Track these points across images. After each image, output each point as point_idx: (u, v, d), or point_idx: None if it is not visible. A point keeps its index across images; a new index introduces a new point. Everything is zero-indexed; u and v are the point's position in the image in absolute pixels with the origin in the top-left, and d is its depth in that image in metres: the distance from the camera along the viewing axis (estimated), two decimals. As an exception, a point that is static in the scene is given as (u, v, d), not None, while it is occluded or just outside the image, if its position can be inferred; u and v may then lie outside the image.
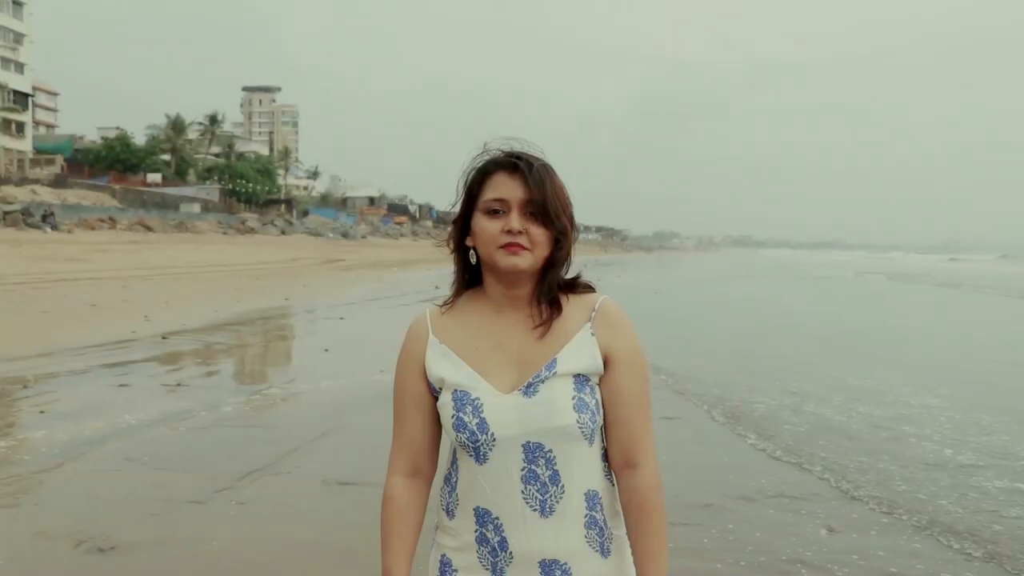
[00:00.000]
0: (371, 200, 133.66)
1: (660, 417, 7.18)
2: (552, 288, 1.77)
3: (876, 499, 6.01)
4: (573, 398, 1.71)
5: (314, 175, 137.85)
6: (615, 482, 1.80)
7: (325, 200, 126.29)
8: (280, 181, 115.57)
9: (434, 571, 1.85)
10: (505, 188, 1.71)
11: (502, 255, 1.70)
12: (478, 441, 1.72)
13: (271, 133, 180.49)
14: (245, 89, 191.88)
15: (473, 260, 1.79)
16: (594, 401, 1.73)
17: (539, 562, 1.74)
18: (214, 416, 7.88)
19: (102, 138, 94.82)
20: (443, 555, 1.83)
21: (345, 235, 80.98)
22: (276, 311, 18.04)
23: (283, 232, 74.13)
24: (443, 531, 1.85)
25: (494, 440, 1.71)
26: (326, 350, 12.63)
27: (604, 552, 1.78)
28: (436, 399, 1.79)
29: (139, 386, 9.23)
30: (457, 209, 1.80)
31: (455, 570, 1.81)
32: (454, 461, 1.82)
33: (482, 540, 1.77)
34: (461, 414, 1.72)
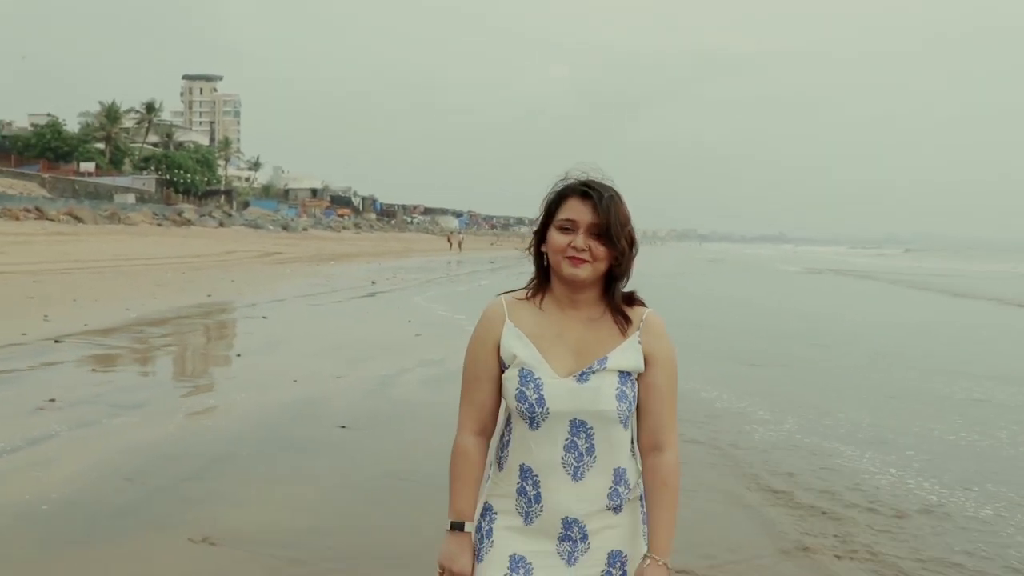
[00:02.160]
0: (313, 192, 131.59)
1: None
2: (618, 300, 2.19)
3: None
4: (616, 389, 2.11)
5: (255, 166, 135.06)
6: (639, 462, 2.22)
7: (267, 191, 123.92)
8: (220, 172, 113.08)
9: (477, 514, 2.22)
10: (576, 211, 2.11)
11: (566, 265, 2.11)
12: (535, 412, 2.11)
13: (212, 123, 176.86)
14: (186, 77, 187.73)
15: (545, 263, 2.20)
16: (632, 393, 2.14)
17: (562, 519, 2.14)
18: (78, 442, 6.61)
19: (32, 125, 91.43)
20: (487, 502, 2.22)
21: (285, 227, 79.15)
22: (194, 309, 16.65)
23: (221, 224, 72.13)
24: (492, 481, 2.23)
25: (548, 413, 2.11)
26: (238, 355, 11.37)
27: (616, 511, 2.17)
28: (502, 372, 2.17)
29: (3, 402, 7.93)
30: (538, 224, 2.21)
31: (495, 513, 2.19)
32: (508, 424, 2.20)
33: (521, 492, 2.16)
34: (524, 388, 2.11)
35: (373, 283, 26.55)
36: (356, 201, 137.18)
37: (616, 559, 2.16)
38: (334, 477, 5.99)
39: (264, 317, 15.99)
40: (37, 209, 53.27)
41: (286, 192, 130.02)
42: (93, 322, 13.72)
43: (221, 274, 27.26)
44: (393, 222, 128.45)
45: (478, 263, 46.71)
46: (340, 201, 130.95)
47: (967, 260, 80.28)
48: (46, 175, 72.70)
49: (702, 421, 8.22)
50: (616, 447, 2.14)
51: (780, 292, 30.59)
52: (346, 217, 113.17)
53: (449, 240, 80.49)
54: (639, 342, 2.15)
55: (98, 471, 5.89)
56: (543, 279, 2.22)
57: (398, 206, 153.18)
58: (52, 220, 51.24)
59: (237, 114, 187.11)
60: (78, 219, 54.51)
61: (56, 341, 11.63)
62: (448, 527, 2.18)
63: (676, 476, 2.18)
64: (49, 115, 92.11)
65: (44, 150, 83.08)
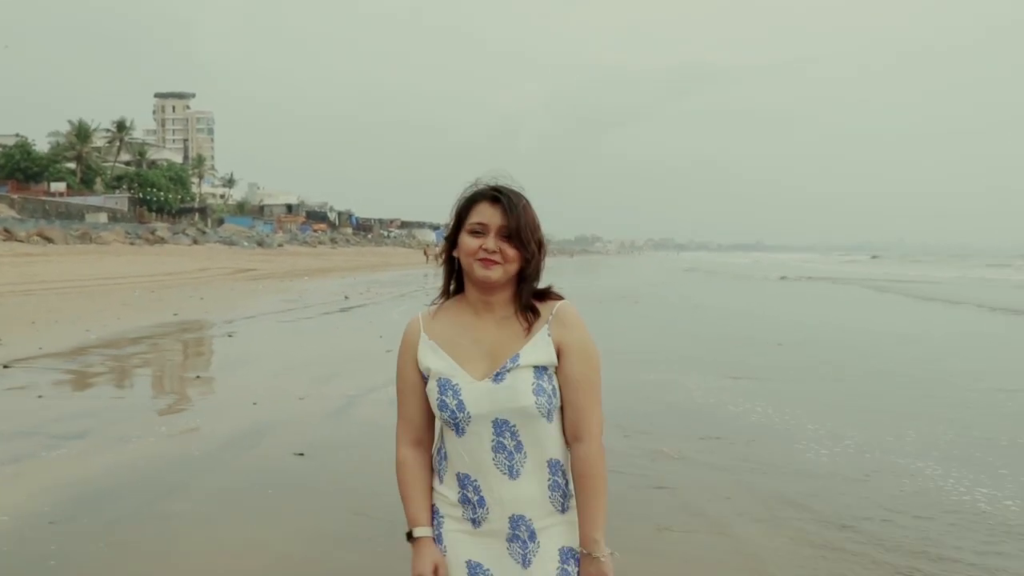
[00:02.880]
0: (289, 208, 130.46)
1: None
2: (527, 298, 2.21)
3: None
4: (532, 384, 2.13)
5: (230, 183, 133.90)
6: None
7: (241, 208, 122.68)
8: (194, 189, 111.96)
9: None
10: (486, 215, 2.17)
11: (478, 267, 2.16)
12: (457, 418, 2.15)
13: (185, 140, 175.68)
14: (158, 95, 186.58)
15: (456, 268, 2.24)
16: (551, 387, 2.16)
17: (509, 516, 2.18)
18: (6, 480, 6.01)
19: (0, 146, 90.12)
20: (434, 505, 2.27)
21: (261, 243, 78.25)
22: (158, 329, 16.01)
23: (195, 241, 71.19)
24: (436, 492, 2.28)
25: (469, 417, 2.15)
26: (197, 376, 10.78)
27: (563, 509, 2.22)
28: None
29: (-67, 436, 7.32)
30: (448, 229, 2.24)
31: (443, 517, 2.24)
32: (443, 435, 2.25)
33: (464, 500, 2.21)
34: (444, 397, 2.16)
35: (346, 298, 25.96)
36: (332, 216, 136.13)
37: (569, 556, 2.19)
38: (287, 515, 5.39)
39: (230, 335, 15.39)
40: (5, 230, 52.22)
41: (261, 208, 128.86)
42: (49, 345, 13.11)
43: (191, 292, 26.58)
44: (370, 236, 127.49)
45: (455, 276, 46.11)
46: (316, 216, 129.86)
47: (934, 266, 79.34)
48: (15, 196, 71.54)
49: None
50: (544, 441, 2.17)
51: (763, 300, 30.19)
52: (322, 232, 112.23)
53: (425, 253, 79.84)
54: (548, 335, 2.18)
55: (20, 513, 5.30)
56: (455, 284, 2.29)
57: (375, 220, 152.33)
58: (21, 241, 50.25)
59: (211, 131, 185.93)
60: (48, 239, 53.55)
61: (4, 366, 11.01)
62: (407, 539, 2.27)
63: (598, 465, 2.18)
64: (18, 135, 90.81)
65: (13, 171, 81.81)
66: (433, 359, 2.19)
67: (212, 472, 6.34)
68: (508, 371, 2.14)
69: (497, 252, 2.14)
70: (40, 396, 9.14)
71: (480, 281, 2.17)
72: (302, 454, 6.82)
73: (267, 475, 6.26)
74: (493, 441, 2.14)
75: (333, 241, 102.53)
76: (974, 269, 66.85)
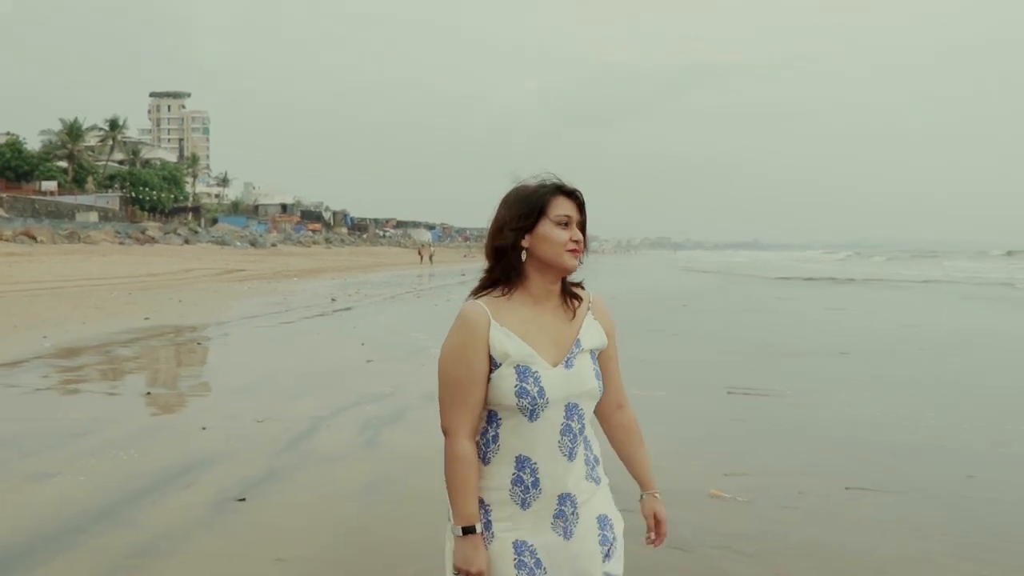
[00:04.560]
0: (284, 207, 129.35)
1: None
2: (569, 286, 2.33)
3: None
4: (593, 368, 2.26)
5: (224, 182, 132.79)
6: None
7: (236, 208, 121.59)
8: (188, 189, 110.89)
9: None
10: (569, 208, 2.26)
11: (568, 257, 2.23)
12: (536, 404, 2.15)
13: (181, 140, 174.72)
14: (153, 95, 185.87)
15: (524, 257, 2.24)
16: (598, 370, 2.29)
17: (558, 495, 2.21)
18: None
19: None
20: (481, 500, 2.21)
21: (254, 243, 77.07)
22: (123, 335, 14.78)
23: (187, 241, 70.13)
24: (480, 480, 2.24)
25: (548, 403, 2.17)
26: (147, 393, 9.54)
27: (596, 481, 2.31)
28: (490, 373, 2.19)
29: None
30: (521, 221, 2.23)
31: (489, 506, 2.21)
32: (493, 421, 2.23)
33: (517, 481, 2.20)
34: (524, 384, 2.15)
35: (333, 300, 24.72)
36: (327, 216, 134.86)
37: (604, 522, 2.29)
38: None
39: (199, 343, 14.18)
40: (-9, 229, 51.16)
41: (256, 208, 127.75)
42: (-5, 355, 11.90)
43: (170, 294, 25.32)
44: (365, 236, 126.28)
45: (448, 276, 44.96)
46: (311, 216, 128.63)
47: (914, 263, 77.62)
48: (3, 195, 70.37)
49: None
50: (590, 421, 2.30)
51: (806, 304, 28.89)
52: (316, 232, 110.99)
53: (420, 253, 78.83)
54: (594, 319, 2.33)
55: None
56: (518, 276, 2.27)
57: (370, 220, 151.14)
58: (7, 240, 49.10)
59: (206, 131, 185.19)
60: (34, 239, 52.44)
61: (-69, 381, 9.80)
62: (459, 533, 2.19)
63: (637, 421, 2.47)
64: (9, 133, 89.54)
65: (3, 170, 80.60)
66: (511, 345, 2.18)
67: (123, 527, 5.07)
68: (575, 356, 2.23)
69: (579, 242, 2.24)
70: (-43, 419, 7.93)
71: (569, 270, 2.26)
72: (243, 499, 5.59)
73: (186, 529, 5.02)
74: (562, 424, 2.19)
75: (327, 241, 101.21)
76: (952, 267, 65.06)
